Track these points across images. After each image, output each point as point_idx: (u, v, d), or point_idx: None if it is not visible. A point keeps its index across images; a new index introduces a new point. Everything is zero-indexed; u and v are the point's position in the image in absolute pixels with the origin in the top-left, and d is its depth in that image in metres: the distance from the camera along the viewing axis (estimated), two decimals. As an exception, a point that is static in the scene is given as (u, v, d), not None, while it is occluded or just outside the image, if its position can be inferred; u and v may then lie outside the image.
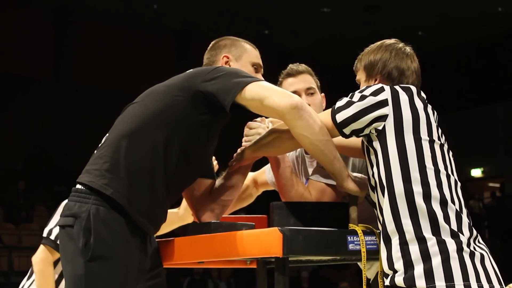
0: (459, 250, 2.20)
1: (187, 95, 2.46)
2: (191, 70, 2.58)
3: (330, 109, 2.42)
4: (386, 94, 2.34)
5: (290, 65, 3.17)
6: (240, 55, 2.73)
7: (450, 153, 2.40)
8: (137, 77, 15.01)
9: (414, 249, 2.21)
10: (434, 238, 2.20)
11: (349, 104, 2.36)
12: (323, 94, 3.16)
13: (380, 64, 2.50)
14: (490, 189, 17.34)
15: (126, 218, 2.40)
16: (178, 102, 2.46)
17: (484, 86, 16.61)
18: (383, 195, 2.30)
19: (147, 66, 15.30)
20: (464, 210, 2.31)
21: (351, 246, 2.33)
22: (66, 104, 14.76)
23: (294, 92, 3.02)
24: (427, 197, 2.24)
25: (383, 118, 2.31)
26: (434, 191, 2.25)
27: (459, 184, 2.35)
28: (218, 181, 2.75)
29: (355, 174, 2.52)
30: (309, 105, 2.99)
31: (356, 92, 2.40)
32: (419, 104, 2.36)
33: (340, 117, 2.36)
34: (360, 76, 2.58)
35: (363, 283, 2.38)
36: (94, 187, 2.41)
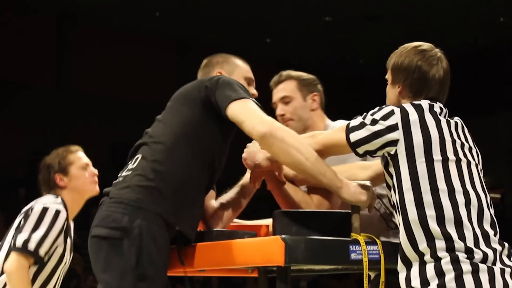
0: (474, 267, 2.19)
1: (196, 106, 2.55)
2: (193, 82, 2.65)
3: (344, 126, 2.43)
4: (396, 118, 2.34)
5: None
6: (232, 70, 2.81)
7: (473, 165, 2.36)
8: (139, 84, 15.03)
9: (430, 268, 2.22)
10: (448, 256, 2.21)
11: (362, 125, 2.38)
12: (314, 93, 3.17)
13: (404, 74, 2.48)
14: (491, 199, 17.29)
15: (169, 235, 2.43)
16: (194, 113, 2.54)
17: (485, 96, 16.60)
18: (400, 220, 2.32)
19: (148, 73, 15.31)
20: (486, 225, 2.29)
21: (353, 256, 2.33)
22: (67, 110, 14.77)
23: (274, 104, 3.18)
24: (441, 220, 2.24)
25: (394, 143, 2.32)
26: (448, 213, 2.25)
27: (483, 197, 2.33)
28: (228, 193, 2.81)
29: (356, 182, 2.51)
30: (283, 114, 3.07)
31: (369, 114, 2.40)
32: (430, 122, 2.35)
33: (353, 137, 2.38)
34: (388, 76, 2.55)
35: (365, 293, 2.37)
36: (141, 204, 2.42)
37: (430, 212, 2.25)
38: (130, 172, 2.51)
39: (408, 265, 2.28)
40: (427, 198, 2.26)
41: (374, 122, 2.36)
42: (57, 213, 3.44)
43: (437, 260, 2.21)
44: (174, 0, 14.23)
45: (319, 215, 2.46)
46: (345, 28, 15.24)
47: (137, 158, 2.54)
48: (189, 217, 2.49)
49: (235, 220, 2.88)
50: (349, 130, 2.40)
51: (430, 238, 2.23)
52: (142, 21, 15.19)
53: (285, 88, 3.16)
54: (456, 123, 2.42)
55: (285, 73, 3.22)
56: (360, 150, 2.38)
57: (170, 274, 2.66)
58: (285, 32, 15.52)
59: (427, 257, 2.23)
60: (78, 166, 3.66)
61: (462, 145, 2.38)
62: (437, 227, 2.23)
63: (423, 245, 2.24)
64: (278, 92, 3.17)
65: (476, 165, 2.40)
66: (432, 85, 2.48)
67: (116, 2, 14.38)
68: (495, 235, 2.31)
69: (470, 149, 2.41)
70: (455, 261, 2.20)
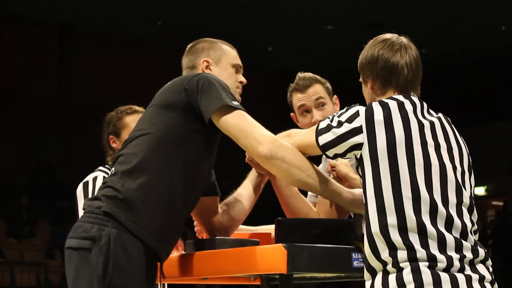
0: (436, 278, 2.11)
1: (175, 112, 2.46)
2: (171, 85, 2.56)
3: (315, 128, 2.38)
4: (361, 120, 2.27)
5: (298, 77, 3.11)
6: (220, 58, 2.70)
7: (449, 169, 2.25)
8: (141, 93, 15.04)
9: (392, 279, 2.16)
10: (409, 265, 2.14)
11: (328, 128, 2.32)
12: (335, 96, 3.14)
13: (369, 67, 2.42)
14: (494, 207, 17.28)
15: (144, 245, 2.37)
16: (173, 121, 2.46)
17: (487, 104, 16.60)
18: (364, 228, 2.27)
19: (150, 82, 15.31)
20: (455, 232, 2.18)
21: (355, 263, 2.33)
22: (69, 119, 14.78)
23: (302, 106, 3.02)
24: (403, 229, 2.16)
25: (359, 146, 2.26)
26: (411, 222, 2.15)
27: (453, 203, 2.21)
28: (231, 198, 2.75)
29: (358, 190, 2.51)
30: (321, 121, 2.99)
31: (336, 115, 2.35)
32: (397, 124, 2.25)
33: (321, 140, 2.34)
34: (360, 78, 2.49)
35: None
36: (111, 213, 2.36)
37: (392, 220, 2.16)
38: (102, 184, 2.48)
39: (372, 274, 2.22)
40: (390, 205, 2.17)
41: (339, 124, 2.30)
42: (94, 179, 3.50)
43: (399, 270, 2.14)
44: (176, 9, 14.26)
45: (321, 223, 2.46)
46: (347, 37, 15.24)
47: (112, 170, 2.50)
48: (158, 230, 2.39)
49: (241, 226, 2.85)
50: (317, 132, 2.35)
51: (392, 248, 2.16)
52: (144, 30, 15.21)
53: (317, 91, 3.06)
54: (431, 123, 2.30)
55: (308, 75, 3.10)
56: (330, 153, 2.33)
57: (171, 282, 2.65)
58: (287, 40, 15.54)
59: (389, 266, 2.16)
60: (130, 130, 3.69)
61: (437, 147, 2.27)
62: (398, 237, 2.15)
63: (385, 254, 2.17)
64: (312, 96, 3.05)
65: (454, 168, 2.27)
66: (399, 71, 2.39)
67: (118, 11, 14.41)
68: (466, 241, 2.19)
69: (449, 150, 2.30)
70: (416, 271, 2.12)
